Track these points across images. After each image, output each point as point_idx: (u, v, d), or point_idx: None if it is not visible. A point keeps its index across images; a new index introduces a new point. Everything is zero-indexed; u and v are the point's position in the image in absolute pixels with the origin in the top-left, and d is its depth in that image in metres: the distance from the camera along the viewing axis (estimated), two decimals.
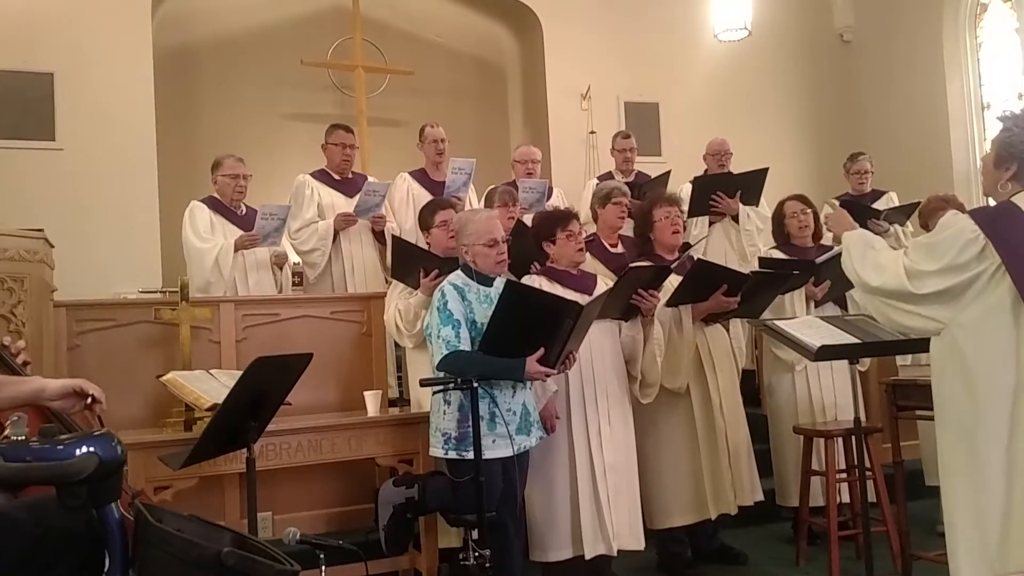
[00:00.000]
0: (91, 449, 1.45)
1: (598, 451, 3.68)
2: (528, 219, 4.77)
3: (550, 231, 3.81)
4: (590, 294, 3.73)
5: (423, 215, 4.17)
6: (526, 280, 3.78)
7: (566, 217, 3.82)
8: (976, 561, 2.46)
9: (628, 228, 4.57)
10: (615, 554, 3.68)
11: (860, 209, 5.72)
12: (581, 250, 3.83)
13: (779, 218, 4.67)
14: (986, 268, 2.44)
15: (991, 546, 2.43)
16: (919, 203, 5.28)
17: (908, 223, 5.52)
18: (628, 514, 3.74)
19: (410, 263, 4.01)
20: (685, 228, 4.46)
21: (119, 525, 1.54)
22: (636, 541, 3.75)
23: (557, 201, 5.37)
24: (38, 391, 1.91)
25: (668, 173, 5.69)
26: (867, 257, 2.76)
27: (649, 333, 3.78)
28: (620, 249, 4.45)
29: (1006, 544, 2.39)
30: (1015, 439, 2.39)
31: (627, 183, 5.69)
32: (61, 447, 1.44)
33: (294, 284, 5.51)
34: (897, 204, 5.77)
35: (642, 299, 3.68)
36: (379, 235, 5.16)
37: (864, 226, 5.60)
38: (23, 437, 1.47)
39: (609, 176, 6.03)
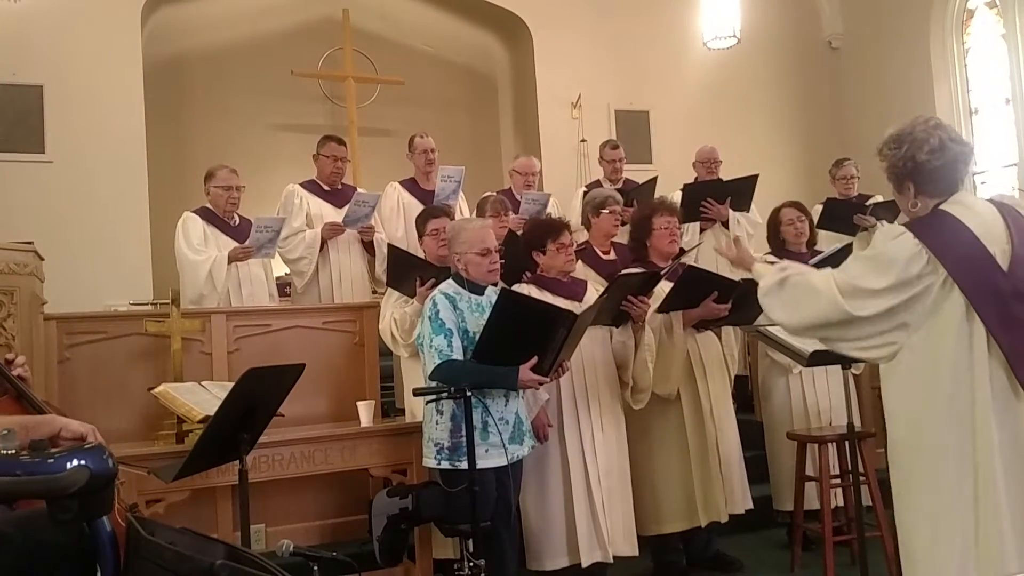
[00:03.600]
0: (82, 462, 1.44)
1: (592, 458, 3.69)
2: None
3: (540, 241, 3.81)
4: (580, 301, 3.74)
5: (417, 223, 4.19)
6: (516, 289, 3.78)
7: (557, 228, 3.81)
8: None
9: (621, 236, 4.57)
10: (611, 561, 3.67)
11: (845, 207, 5.77)
12: (571, 260, 3.83)
13: (775, 225, 4.67)
14: (935, 280, 2.30)
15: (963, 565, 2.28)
16: None
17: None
18: (622, 520, 3.74)
19: (406, 272, 4.00)
20: (680, 235, 4.47)
21: (111, 539, 1.53)
22: (630, 547, 3.75)
23: (551, 210, 5.38)
24: (58, 431, 1.89)
25: (655, 180, 5.71)
26: (784, 286, 2.47)
27: (640, 339, 3.79)
28: (612, 256, 4.45)
29: (979, 559, 2.26)
30: (978, 451, 2.26)
31: (616, 190, 5.71)
32: (52, 460, 1.43)
33: (282, 295, 5.50)
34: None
35: (632, 305, 3.69)
36: (368, 245, 5.15)
37: (851, 222, 5.66)
38: (13, 451, 1.46)
39: (598, 185, 6.03)
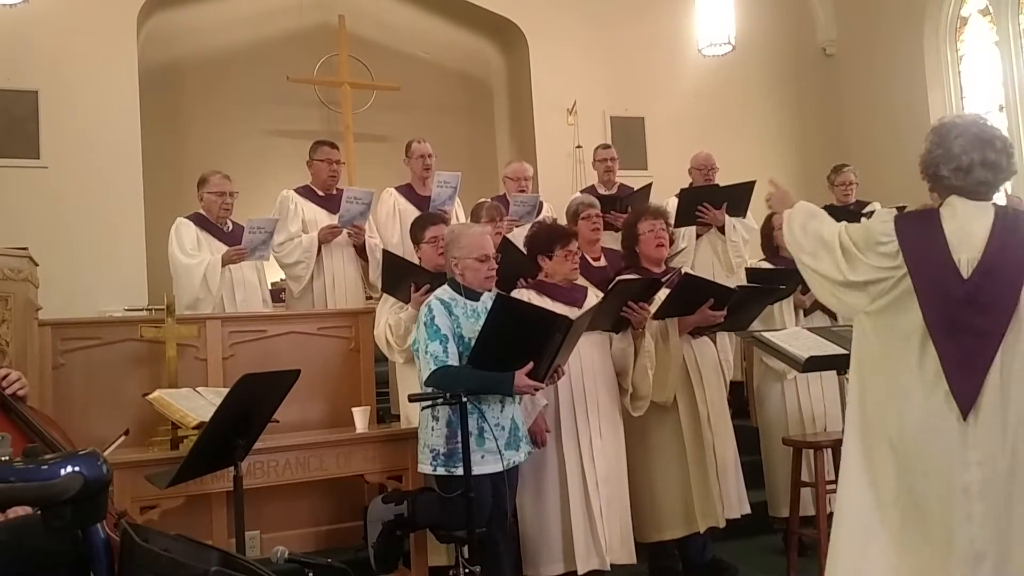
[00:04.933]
0: (76, 469, 1.43)
1: (590, 464, 3.69)
2: (515, 233, 4.78)
3: (548, 246, 3.80)
4: (580, 307, 3.74)
5: (414, 230, 4.17)
6: (516, 294, 3.78)
7: (567, 236, 3.82)
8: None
9: (614, 241, 4.58)
10: (608, 568, 3.67)
11: (843, 213, 5.77)
12: (575, 269, 3.83)
13: (768, 230, 4.68)
14: (896, 273, 2.42)
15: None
16: (904, 207, 5.32)
17: None
18: (620, 527, 3.73)
19: (401, 277, 4.00)
20: (673, 241, 4.47)
21: (105, 546, 1.52)
22: (628, 555, 3.75)
23: (546, 215, 5.38)
24: None
25: (650, 185, 5.72)
26: (808, 226, 2.65)
27: (640, 345, 3.78)
28: (603, 263, 4.45)
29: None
30: (914, 442, 2.37)
31: (610, 196, 5.73)
32: (45, 467, 1.42)
33: (275, 300, 5.49)
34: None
35: (633, 311, 3.69)
36: (361, 250, 5.14)
37: None
38: (6, 458, 1.45)
39: (592, 189, 6.05)
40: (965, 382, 2.30)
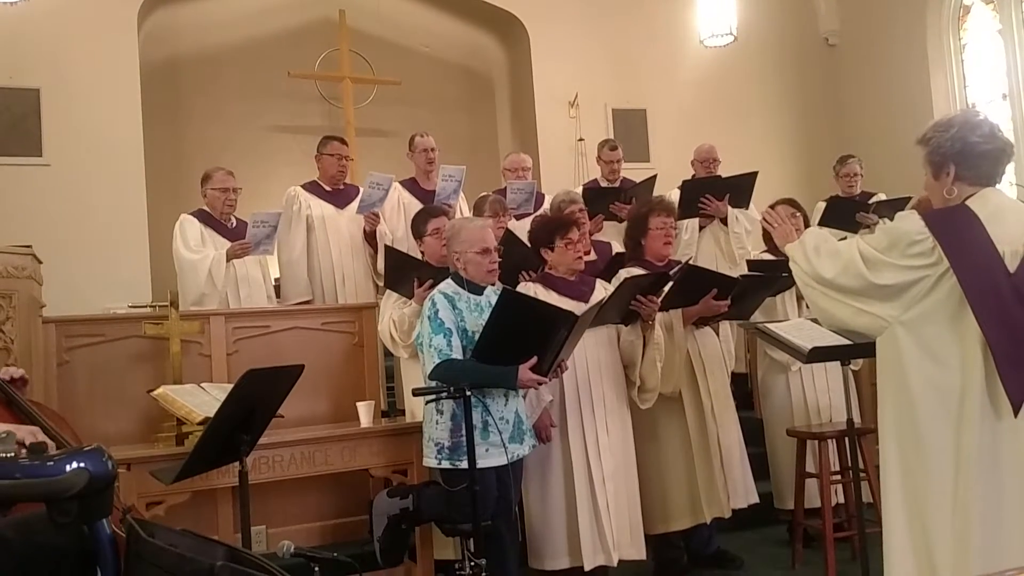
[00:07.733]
0: (81, 465, 1.43)
1: (596, 460, 3.68)
2: (516, 224, 4.78)
3: (548, 238, 3.80)
4: (587, 301, 3.73)
5: (416, 223, 4.17)
6: (522, 288, 3.78)
7: (565, 225, 3.80)
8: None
9: (616, 234, 4.55)
10: (615, 564, 3.67)
11: (849, 204, 5.76)
12: (579, 258, 3.82)
13: None
14: (933, 271, 2.34)
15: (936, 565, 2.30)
16: (909, 198, 5.31)
17: None
18: (628, 523, 3.73)
19: (404, 273, 4.00)
20: (676, 234, 4.46)
21: (110, 541, 1.53)
22: (637, 550, 3.74)
23: (547, 209, 5.37)
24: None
25: (654, 177, 5.70)
26: (821, 248, 2.57)
27: (649, 338, 3.77)
28: (592, 256, 4.44)
29: (957, 557, 2.27)
30: (961, 447, 2.29)
31: (613, 188, 5.71)
32: (51, 463, 1.43)
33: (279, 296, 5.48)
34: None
35: (642, 305, 3.68)
36: (370, 237, 5.13)
37: (854, 220, 5.66)
38: (12, 454, 1.46)
39: (595, 184, 6.03)
40: (1019, 379, 2.24)
